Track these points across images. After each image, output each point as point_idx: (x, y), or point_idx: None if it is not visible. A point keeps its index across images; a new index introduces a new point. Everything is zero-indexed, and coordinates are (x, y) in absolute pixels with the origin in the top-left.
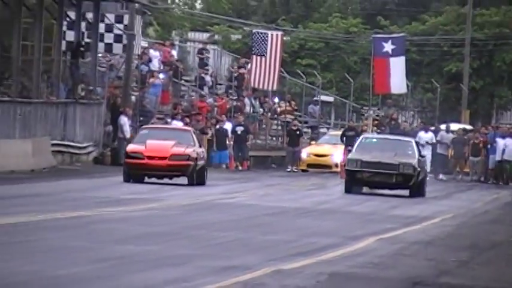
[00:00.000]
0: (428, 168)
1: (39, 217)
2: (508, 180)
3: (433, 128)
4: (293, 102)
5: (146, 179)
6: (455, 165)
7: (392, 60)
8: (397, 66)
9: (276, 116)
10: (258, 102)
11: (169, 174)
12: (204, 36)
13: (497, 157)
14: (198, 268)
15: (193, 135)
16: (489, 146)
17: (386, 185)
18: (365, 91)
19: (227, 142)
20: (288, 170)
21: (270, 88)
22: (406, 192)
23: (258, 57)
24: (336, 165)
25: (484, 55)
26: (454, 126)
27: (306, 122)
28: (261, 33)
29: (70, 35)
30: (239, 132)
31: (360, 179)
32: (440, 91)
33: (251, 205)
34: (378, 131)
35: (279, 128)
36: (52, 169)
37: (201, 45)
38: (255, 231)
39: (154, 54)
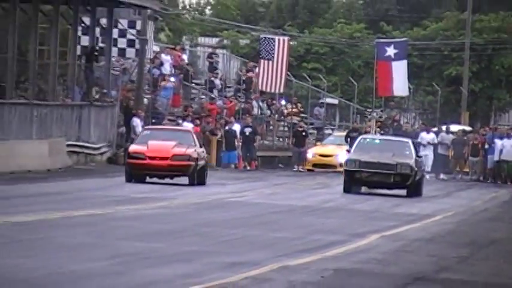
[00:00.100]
0: (429, 168)
1: (55, 215)
2: (506, 179)
3: (435, 129)
4: (299, 105)
5: (148, 179)
6: (455, 165)
7: (394, 64)
8: (399, 70)
9: (282, 117)
10: (265, 105)
11: (170, 174)
12: (214, 41)
13: (496, 157)
14: (208, 264)
15: (194, 136)
16: (487, 147)
17: (384, 184)
18: (368, 94)
19: (236, 143)
20: (295, 169)
21: (277, 91)
22: (403, 192)
23: (266, 61)
24: (341, 165)
25: (483, 59)
26: (454, 128)
27: (311, 124)
28: (269, 38)
29: (85, 40)
30: (247, 133)
31: (358, 178)
32: (441, 94)
33: (259, 203)
34: (382, 132)
35: (286, 129)
36: (67, 169)
37: (210, 50)
38: (262, 229)
39: (165, 58)
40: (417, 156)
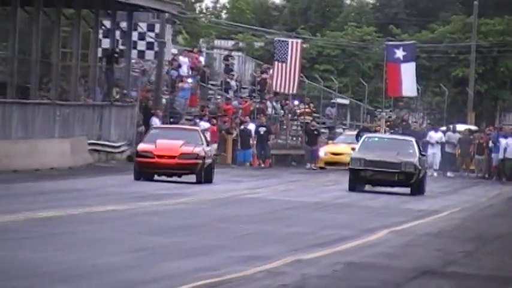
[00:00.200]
0: (437, 165)
1: (77, 211)
2: (510, 176)
3: (444, 128)
4: (312, 105)
5: (156, 177)
6: (462, 163)
7: (403, 65)
8: (408, 71)
9: (295, 117)
10: (279, 105)
11: (178, 172)
12: (229, 43)
13: (500, 155)
14: (225, 258)
15: (201, 135)
16: (492, 145)
17: (388, 182)
18: (378, 94)
19: (251, 141)
20: (307, 167)
21: (290, 91)
22: (407, 190)
23: (279, 63)
24: None
25: (489, 61)
26: (461, 127)
27: (323, 123)
28: (282, 41)
29: (105, 43)
30: (262, 132)
31: (363, 177)
32: (448, 94)
33: (273, 200)
34: (392, 131)
35: (299, 128)
36: (89, 166)
37: (226, 52)
38: (276, 224)
39: (183, 60)
40: (420, 154)
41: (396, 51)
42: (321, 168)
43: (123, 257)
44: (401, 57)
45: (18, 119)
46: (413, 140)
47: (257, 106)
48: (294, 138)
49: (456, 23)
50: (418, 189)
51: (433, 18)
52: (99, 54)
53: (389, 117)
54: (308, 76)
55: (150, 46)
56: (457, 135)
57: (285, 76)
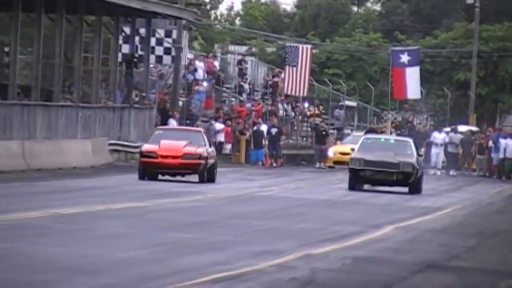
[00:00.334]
0: (440, 165)
1: (97, 207)
2: (510, 175)
3: (447, 129)
4: (321, 107)
5: (160, 177)
6: (464, 162)
7: (408, 69)
8: (413, 75)
9: (306, 119)
10: (290, 107)
11: (181, 172)
12: (243, 49)
13: (501, 155)
14: (238, 253)
15: (204, 136)
16: (493, 146)
17: (387, 182)
18: (384, 97)
19: (263, 142)
20: (317, 166)
21: (300, 94)
22: (405, 189)
23: (290, 68)
24: None
25: (489, 66)
26: (462, 128)
27: (332, 124)
28: (293, 46)
29: (125, 48)
30: (273, 133)
31: (362, 176)
32: (451, 97)
33: (284, 197)
34: (398, 132)
35: (309, 129)
36: (109, 165)
37: (240, 57)
38: (287, 221)
39: (199, 64)
40: (418, 155)
41: (401, 56)
42: (330, 167)
43: (141, 251)
44: (406, 62)
45: (42, 121)
46: (410, 140)
47: (269, 108)
48: (304, 139)
49: (458, 29)
50: (416, 188)
51: (437, 25)
52: (119, 59)
53: (395, 118)
54: (317, 80)
55: (167, 51)
56: (459, 136)
57: (295, 80)
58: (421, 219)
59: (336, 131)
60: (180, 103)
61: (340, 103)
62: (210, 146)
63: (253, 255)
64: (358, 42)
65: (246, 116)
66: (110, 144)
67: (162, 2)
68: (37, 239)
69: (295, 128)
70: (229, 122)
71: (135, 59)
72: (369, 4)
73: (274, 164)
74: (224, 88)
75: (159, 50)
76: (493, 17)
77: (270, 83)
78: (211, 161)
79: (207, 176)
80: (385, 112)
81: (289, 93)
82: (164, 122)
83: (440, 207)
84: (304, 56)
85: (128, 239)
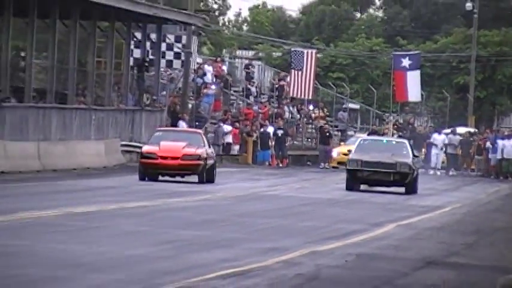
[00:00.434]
0: (439, 165)
1: (111, 206)
2: (507, 175)
3: (447, 131)
4: (325, 109)
5: (160, 177)
6: (463, 162)
7: (409, 73)
8: (414, 79)
9: (310, 120)
10: (295, 109)
11: (181, 173)
12: (250, 53)
13: (498, 156)
14: (246, 250)
15: (203, 137)
16: (491, 147)
17: (384, 182)
18: (386, 100)
19: (269, 143)
20: (321, 166)
21: (305, 97)
22: (401, 189)
23: (296, 71)
24: None
25: (487, 69)
26: (461, 130)
27: (336, 126)
28: (298, 51)
29: (137, 53)
30: (279, 134)
31: (360, 177)
32: (450, 100)
33: (290, 196)
34: (400, 134)
35: (313, 131)
36: (121, 166)
37: (247, 61)
38: (293, 219)
39: (207, 68)
40: (414, 155)
41: (403, 60)
42: (334, 167)
43: (153, 248)
44: (408, 66)
45: (57, 123)
46: (406, 141)
47: (275, 110)
48: (309, 140)
49: (457, 34)
50: (412, 188)
51: (436, 30)
52: (131, 63)
53: (397, 120)
54: (322, 83)
55: (177, 56)
56: (458, 138)
57: (300, 83)
58: (422, 218)
59: (339, 133)
60: (190, 106)
61: (344, 106)
62: (210, 147)
63: (260, 252)
64: (361, 47)
65: (253, 118)
66: (122, 145)
67: (172, 8)
68: (54, 237)
69: (301, 129)
70: (237, 124)
71: (147, 63)
72: (371, 10)
73: (280, 165)
74: (232, 91)
75: (169, 55)
76: (491, 23)
77: (276, 86)
78: (210, 162)
79: (206, 176)
80: (387, 114)
81: (294, 96)
82: (174, 124)
83: (440, 206)
84: (309, 60)
85: (139, 237)
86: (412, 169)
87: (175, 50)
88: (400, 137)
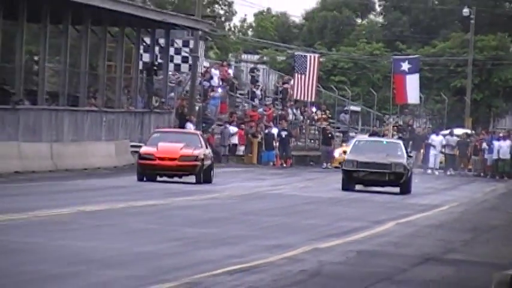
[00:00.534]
0: (437, 165)
1: (121, 205)
2: (502, 174)
3: (445, 132)
4: (327, 111)
5: (157, 178)
6: (460, 163)
7: (408, 77)
8: (413, 82)
9: (313, 122)
10: (299, 111)
11: (178, 174)
12: (255, 57)
13: (494, 156)
14: (251, 247)
15: (201, 138)
16: (487, 147)
17: (379, 182)
18: (386, 102)
19: (274, 144)
20: (323, 166)
21: (308, 99)
22: (396, 189)
23: (299, 75)
24: None
25: (484, 73)
26: (459, 131)
27: (338, 128)
28: (302, 55)
29: (146, 57)
30: (283, 135)
31: (355, 177)
32: (448, 102)
33: (293, 195)
34: (400, 135)
35: (316, 132)
36: (131, 166)
37: (252, 65)
38: (296, 217)
39: (214, 72)
40: (408, 156)
41: (402, 64)
42: (336, 167)
43: (161, 246)
44: (407, 70)
45: (69, 124)
46: (400, 142)
47: (279, 113)
48: (312, 141)
49: (455, 39)
50: (406, 188)
51: (435, 35)
52: (140, 67)
53: (396, 122)
54: (324, 86)
55: (185, 60)
56: (455, 139)
57: (304, 86)
58: (420, 216)
59: (341, 134)
60: (197, 108)
61: (345, 108)
62: (207, 147)
63: (265, 249)
64: (361, 51)
65: (258, 120)
66: (132, 146)
67: (180, 14)
68: (66, 234)
69: (304, 131)
70: (242, 126)
71: (155, 67)
72: (371, 16)
73: (284, 165)
74: (238, 94)
75: (177, 59)
76: (487, 28)
77: (280, 89)
78: (207, 163)
79: (204, 177)
80: (387, 116)
81: (298, 98)
82: (182, 126)
83: (438, 204)
84: (312, 64)
85: (148, 234)
86: (407, 169)
87: (183, 54)
88: (400, 138)
